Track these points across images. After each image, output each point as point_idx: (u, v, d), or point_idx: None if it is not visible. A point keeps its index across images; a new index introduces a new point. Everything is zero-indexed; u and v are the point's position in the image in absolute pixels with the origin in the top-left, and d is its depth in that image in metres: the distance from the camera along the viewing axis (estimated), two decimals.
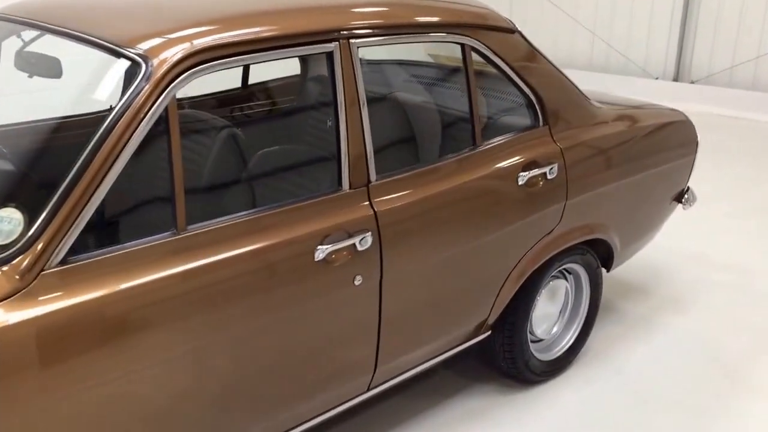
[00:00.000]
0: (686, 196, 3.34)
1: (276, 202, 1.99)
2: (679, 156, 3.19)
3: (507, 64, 2.51)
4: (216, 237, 1.84)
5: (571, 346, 3.00)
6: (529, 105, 2.61)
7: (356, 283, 2.08)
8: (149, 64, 1.73)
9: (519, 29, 2.61)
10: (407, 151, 2.68)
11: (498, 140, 2.52)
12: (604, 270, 3.11)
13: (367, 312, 2.16)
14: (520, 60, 2.55)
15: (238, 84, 3.13)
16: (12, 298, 1.55)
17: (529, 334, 2.82)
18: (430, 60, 3.14)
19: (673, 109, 3.33)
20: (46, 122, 2.39)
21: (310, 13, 2.09)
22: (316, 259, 1.98)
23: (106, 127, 1.67)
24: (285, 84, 3.29)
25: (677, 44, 7.74)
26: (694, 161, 3.32)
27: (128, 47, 1.79)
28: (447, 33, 2.36)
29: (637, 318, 3.47)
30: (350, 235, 2.05)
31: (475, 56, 2.45)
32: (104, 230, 1.74)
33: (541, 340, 2.93)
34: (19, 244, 1.58)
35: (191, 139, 2.53)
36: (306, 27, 2.02)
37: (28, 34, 2.21)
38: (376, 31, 2.17)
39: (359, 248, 2.06)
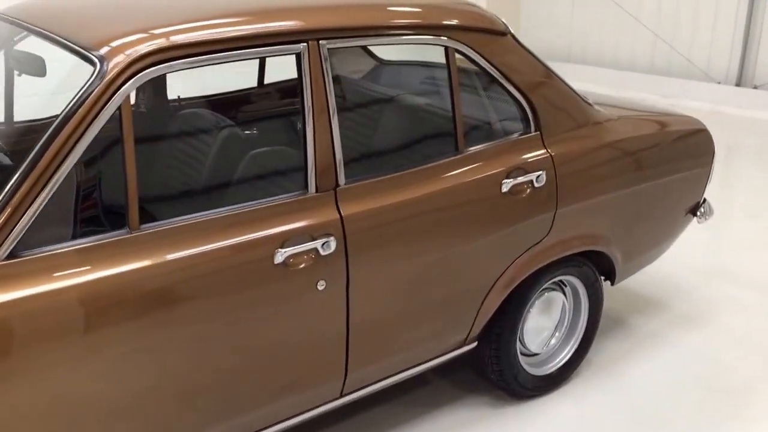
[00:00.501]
0: (701, 209, 3.21)
1: (243, 203, 2.02)
2: (692, 167, 3.06)
3: (495, 68, 2.45)
4: (171, 237, 1.88)
5: (566, 363, 2.92)
6: (520, 110, 2.55)
7: (319, 288, 2.08)
8: (104, 65, 1.78)
9: (511, 31, 2.55)
10: (384, 155, 2.65)
11: (483, 146, 2.47)
12: (608, 284, 3.02)
13: (333, 318, 2.16)
14: (511, 64, 2.49)
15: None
16: None
17: (521, 347, 2.77)
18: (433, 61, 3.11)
19: (690, 118, 3.20)
20: (23, 122, 2.48)
21: (279, 13, 2.09)
22: (275, 262, 1.99)
23: (57, 125, 1.72)
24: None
25: (741, 47, 7.41)
26: (710, 173, 3.18)
27: (93, 49, 1.84)
28: (428, 35, 2.32)
29: (647, 334, 3.35)
30: (313, 239, 2.05)
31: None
32: (57, 226, 1.80)
33: (535, 354, 2.87)
34: None
35: (182, 138, 2.60)
36: (271, 27, 2.03)
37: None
38: (348, 32, 2.15)
39: (322, 252, 2.06)
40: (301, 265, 2.03)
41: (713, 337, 3.34)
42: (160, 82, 2.86)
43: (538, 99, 2.55)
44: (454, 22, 2.37)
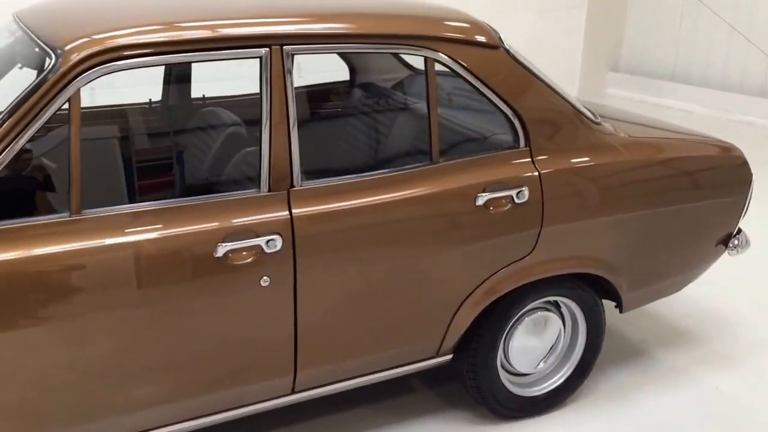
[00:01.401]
0: (734, 240, 2.98)
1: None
2: (719, 196, 2.86)
3: (481, 81, 2.39)
4: (112, 223, 1.98)
5: (559, 387, 2.80)
6: (510, 125, 2.48)
7: (263, 284, 2.12)
8: (59, 60, 1.92)
9: (506, 45, 2.49)
10: (351, 160, 2.65)
11: (463, 158, 2.43)
12: (617, 311, 2.87)
13: (279, 314, 2.19)
14: (500, 77, 2.43)
15: None
16: None
17: (505, 364, 2.69)
18: None
19: (728, 145, 2.98)
20: None
21: (245, 16, 2.16)
22: (215, 256, 2.05)
23: (11, 109, 1.87)
24: (329, 89, 3.34)
25: None
26: (745, 204, 2.96)
27: (57, 48, 1.97)
28: (406, 45, 2.31)
29: (670, 368, 3.15)
30: (257, 236, 2.10)
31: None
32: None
33: (525, 375, 2.77)
34: None
35: (181, 133, 2.72)
36: (233, 31, 2.10)
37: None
38: (314, 39, 2.19)
39: (266, 250, 2.10)
40: (243, 261, 2.08)
41: (745, 380, 3.08)
42: (182, 80, 3.00)
43: (529, 114, 2.47)
44: (436, 33, 2.34)
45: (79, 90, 1.93)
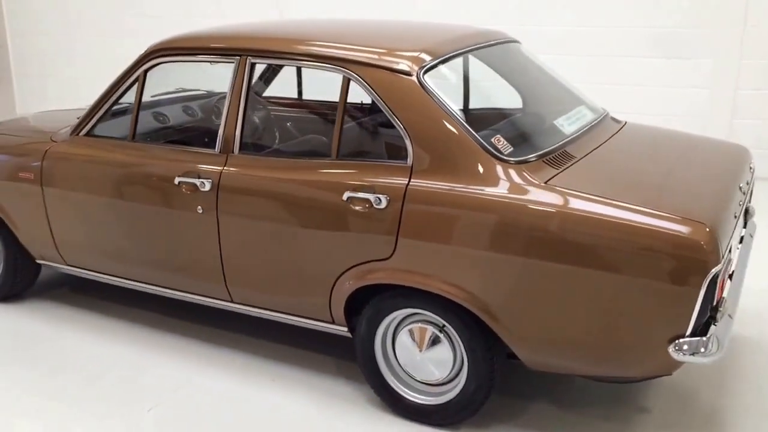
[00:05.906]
0: (685, 342, 2.44)
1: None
2: (637, 274, 2.44)
3: (383, 101, 2.84)
4: (143, 151, 3.39)
5: (438, 407, 2.93)
6: (403, 141, 2.81)
7: (199, 210, 3.18)
8: (142, 54, 3.39)
9: (421, 76, 2.80)
10: (282, 144, 3.23)
11: (357, 159, 2.93)
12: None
13: (209, 236, 3.19)
14: (402, 101, 2.81)
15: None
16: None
17: (391, 358, 3.01)
18: None
19: (684, 224, 2.41)
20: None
21: (233, 36, 3.25)
22: (174, 183, 3.23)
23: (117, 77, 3.45)
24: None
25: None
26: (694, 301, 2.39)
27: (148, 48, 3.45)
28: (330, 65, 2.97)
29: None
30: (198, 178, 3.17)
31: None
32: (103, 126, 3.51)
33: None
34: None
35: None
36: (225, 45, 3.23)
37: None
38: (268, 54, 3.13)
39: (200, 189, 3.16)
40: (188, 191, 3.19)
41: None
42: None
43: (418, 137, 2.77)
44: (351, 57, 2.93)
45: (146, 70, 3.37)
